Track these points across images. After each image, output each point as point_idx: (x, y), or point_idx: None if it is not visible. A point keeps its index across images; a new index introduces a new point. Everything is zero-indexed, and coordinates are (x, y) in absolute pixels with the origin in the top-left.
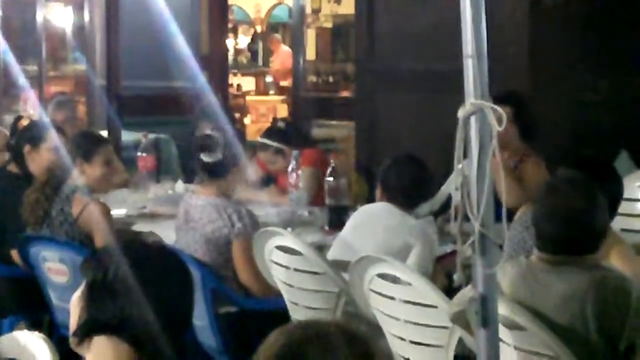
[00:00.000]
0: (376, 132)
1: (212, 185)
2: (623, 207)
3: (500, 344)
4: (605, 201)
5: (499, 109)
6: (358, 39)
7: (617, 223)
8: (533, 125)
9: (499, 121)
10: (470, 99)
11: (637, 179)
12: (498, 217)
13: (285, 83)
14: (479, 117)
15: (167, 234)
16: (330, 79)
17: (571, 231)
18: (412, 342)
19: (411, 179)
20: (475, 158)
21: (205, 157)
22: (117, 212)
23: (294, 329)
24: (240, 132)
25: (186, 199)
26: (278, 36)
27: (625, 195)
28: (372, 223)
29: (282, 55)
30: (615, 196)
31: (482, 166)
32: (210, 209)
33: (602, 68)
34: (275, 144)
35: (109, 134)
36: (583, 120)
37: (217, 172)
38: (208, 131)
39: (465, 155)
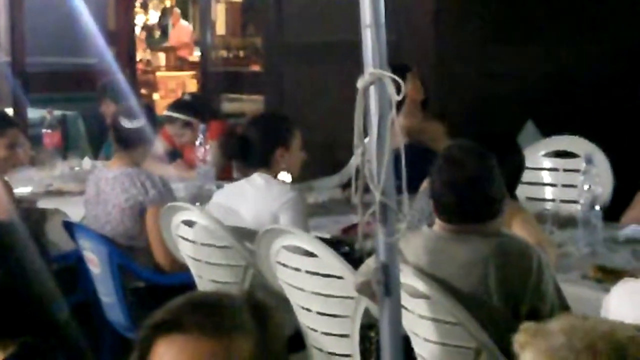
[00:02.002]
0: (285, 105)
1: (125, 157)
2: (528, 176)
3: (405, 312)
4: (498, 168)
5: (397, 78)
6: (266, 12)
7: (522, 192)
8: (428, 96)
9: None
10: (369, 68)
11: (541, 149)
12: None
13: (196, 58)
14: (378, 86)
15: (74, 210)
16: (241, 54)
17: (469, 199)
18: (318, 313)
19: (255, 139)
20: (375, 128)
21: (125, 123)
22: (23, 190)
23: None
24: (149, 106)
25: (96, 173)
26: (178, 10)
27: (530, 164)
28: (242, 194)
29: (180, 30)
30: (517, 166)
31: (382, 136)
32: (123, 179)
33: (509, 39)
34: (182, 116)
35: (14, 111)
36: (490, 91)
37: (131, 142)
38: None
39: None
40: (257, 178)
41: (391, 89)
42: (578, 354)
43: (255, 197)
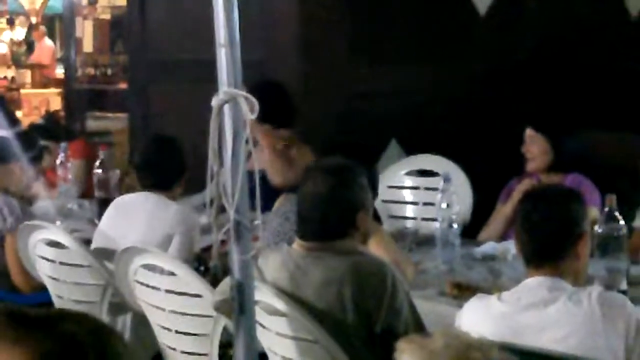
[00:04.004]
0: (150, 123)
1: None
2: (390, 194)
3: (263, 330)
4: (358, 187)
5: (251, 97)
6: (131, 30)
7: (385, 210)
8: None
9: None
10: (224, 87)
11: (403, 167)
12: (268, 207)
13: (62, 76)
14: (232, 105)
15: None
16: (109, 71)
17: (324, 217)
18: (177, 331)
19: (159, 157)
20: (230, 146)
21: None
22: None
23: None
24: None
25: None
26: (43, 28)
27: (392, 182)
28: (131, 214)
29: (42, 48)
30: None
31: (236, 154)
32: None
33: (374, 59)
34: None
35: None
36: (354, 110)
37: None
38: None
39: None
40: (147, 199)
41: (245, 108)
42: (452, 357)
43: (147, 219)
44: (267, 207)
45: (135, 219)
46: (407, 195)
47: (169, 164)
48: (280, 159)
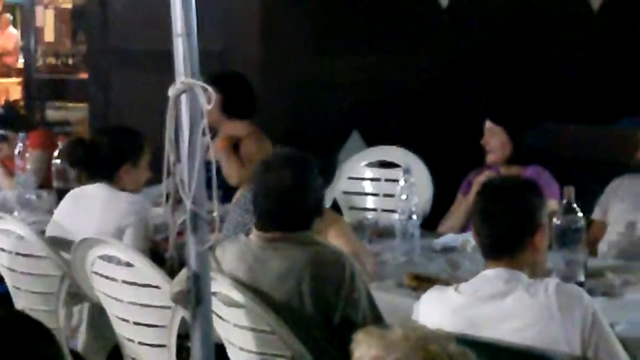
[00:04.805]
0: (110, 113)
1: None
2: (350, 185)
3: (221, 321)
4: (318, 178)
5: (208, 87)
6: (91, 19)
7: (345, 201)
8: (244, 105)
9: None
10: (181, 77)
11: (364, 159)
12: (228, 199)
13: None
14: (190, 95)
15: None
16: (70, 61)
17: (283, 208)
18: (135, 323)
19: (98, 147)
20: (187, 136)
21: None
22: None
23: None
24: None
25: None
26: (8, 16)
27: (352, 174)
28: (85, 205)
29: (6, 36)
30: (328, 171)
31: (193, 144)
32: None
33: (335, 50)
34: None
35: None
36: (316, 101)
37: None
38: None
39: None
40: (100, 191)
41: (202, 98)
42: (410, 347)
43: (99, 211)
44: (227, 198)
45: (89, 210)
46: (368, 186)
47: (107, 153)
48: (233, 158)
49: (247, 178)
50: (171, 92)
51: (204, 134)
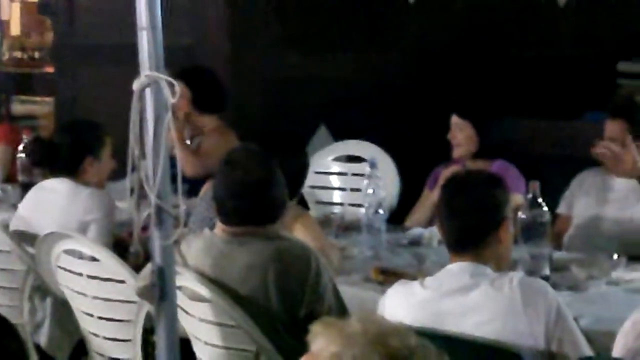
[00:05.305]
0: (77, 107)
1: None
2: (317, 180)
3: (186, 315)
4: (281, 173)
5: (173, 81)
6: (58, 13)
7: (312, 195)
8: (212, 99)
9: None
10: (145, 71)
11: (331, 153)
12: (195, 192)
13: None
14: (154, 89)
15: None
16: (36, 55)
17: (249, 202)
18: (100, 317)
19: (61, 142)
20: (151, 130)
21: None
22: None
23: None
24: None
25: None
26: None
27: (320, 169)
28: (49, 199)
29: None
30: (300, 168)
31: (158, 138)
32: None
33: (304, 45)
34: None
35: None
36: (284, 95)
37: None
38: None
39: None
40: (63, 186)
41: (167, 91)
42: (369, 342)
43: (62, 205)
44: (194, 192)
45: (53, 204)
46: (334, 181)
47: (68, 147)
48: (188, 150)
49: (203, 171)
50: (135, 85)
51: (169, 127)
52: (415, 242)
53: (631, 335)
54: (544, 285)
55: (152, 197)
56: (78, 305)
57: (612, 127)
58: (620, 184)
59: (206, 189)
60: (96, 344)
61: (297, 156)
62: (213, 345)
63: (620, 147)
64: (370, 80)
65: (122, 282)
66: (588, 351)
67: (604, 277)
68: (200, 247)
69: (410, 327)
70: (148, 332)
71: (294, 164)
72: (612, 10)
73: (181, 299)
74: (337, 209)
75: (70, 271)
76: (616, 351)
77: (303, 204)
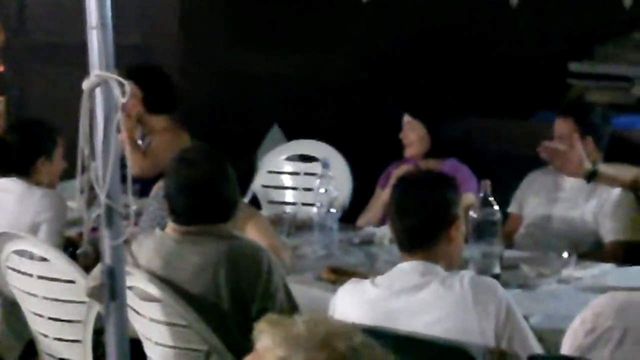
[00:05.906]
0: (27, 106)
1: None
2: (270, 179)
3: (137, 316)
4: (233, 171)
5: (124, 81)
6: (8, 10)
7: (264, 195)
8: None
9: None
10: (95, 70)
11: (283, 152)
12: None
13: None
14: (104, 88)
15: None
16: None
17: (201, 201)
18: (50, 318)
19: (12, 142)
20: (101, 130)
21: None
22: None
23: None
24: None
25: None
26: None
27: (272, 168)
28: (0, 200)
29: None
30: (249, 167)
31: (108, 138)
32: None
33: (257, 44)
34: None
35: None
36: (237, 94)
37: None
38: None
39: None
40: (15, 185)
41: (117, 91)
42: (315, 346)
43: (14, 206)
44: (145, 192)
45: (3, 204)
46: (287, 180)
47: (20, 147)
48: (135, 150)
49: (153, 171)
50: (85, 85)
51: (119, 127)
52: (367, 241)
53: (580, 332)
54: (494, 284)
55: (102, 197)
56: (28, 305)
57: (561, 125)
58: (570, 183)
59: (157, 188)
60: (46, 345)
61: (246, 156)
62: (164, 345)
63: (567, 146)
64: (324, 79)
65: (72, 282)
66: (537, 349)
67: (554, 275)
68: (151, 246)
69: (359, 326)
70: (99, 333)
71: (244, 163)
72: (563, 10)
73: (132, 299)
74: (289, 208)
75: (20, 272)
76: (565, 349)
77: (255, 203)
